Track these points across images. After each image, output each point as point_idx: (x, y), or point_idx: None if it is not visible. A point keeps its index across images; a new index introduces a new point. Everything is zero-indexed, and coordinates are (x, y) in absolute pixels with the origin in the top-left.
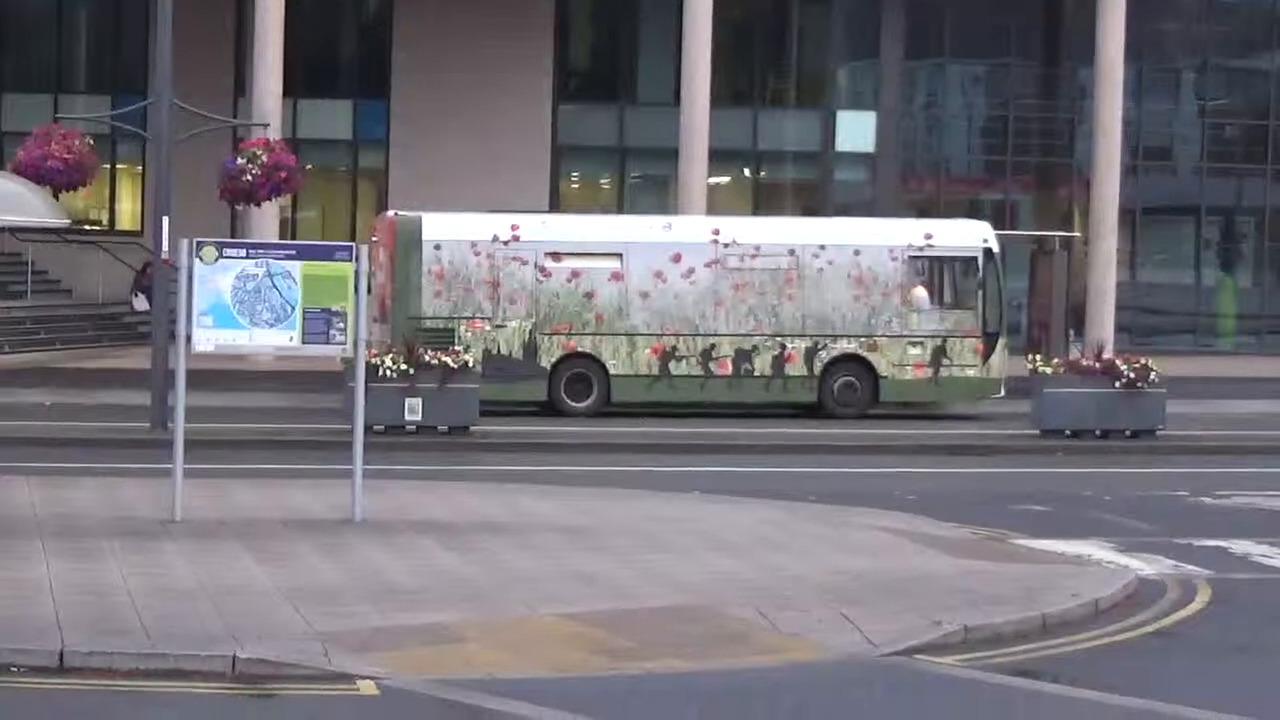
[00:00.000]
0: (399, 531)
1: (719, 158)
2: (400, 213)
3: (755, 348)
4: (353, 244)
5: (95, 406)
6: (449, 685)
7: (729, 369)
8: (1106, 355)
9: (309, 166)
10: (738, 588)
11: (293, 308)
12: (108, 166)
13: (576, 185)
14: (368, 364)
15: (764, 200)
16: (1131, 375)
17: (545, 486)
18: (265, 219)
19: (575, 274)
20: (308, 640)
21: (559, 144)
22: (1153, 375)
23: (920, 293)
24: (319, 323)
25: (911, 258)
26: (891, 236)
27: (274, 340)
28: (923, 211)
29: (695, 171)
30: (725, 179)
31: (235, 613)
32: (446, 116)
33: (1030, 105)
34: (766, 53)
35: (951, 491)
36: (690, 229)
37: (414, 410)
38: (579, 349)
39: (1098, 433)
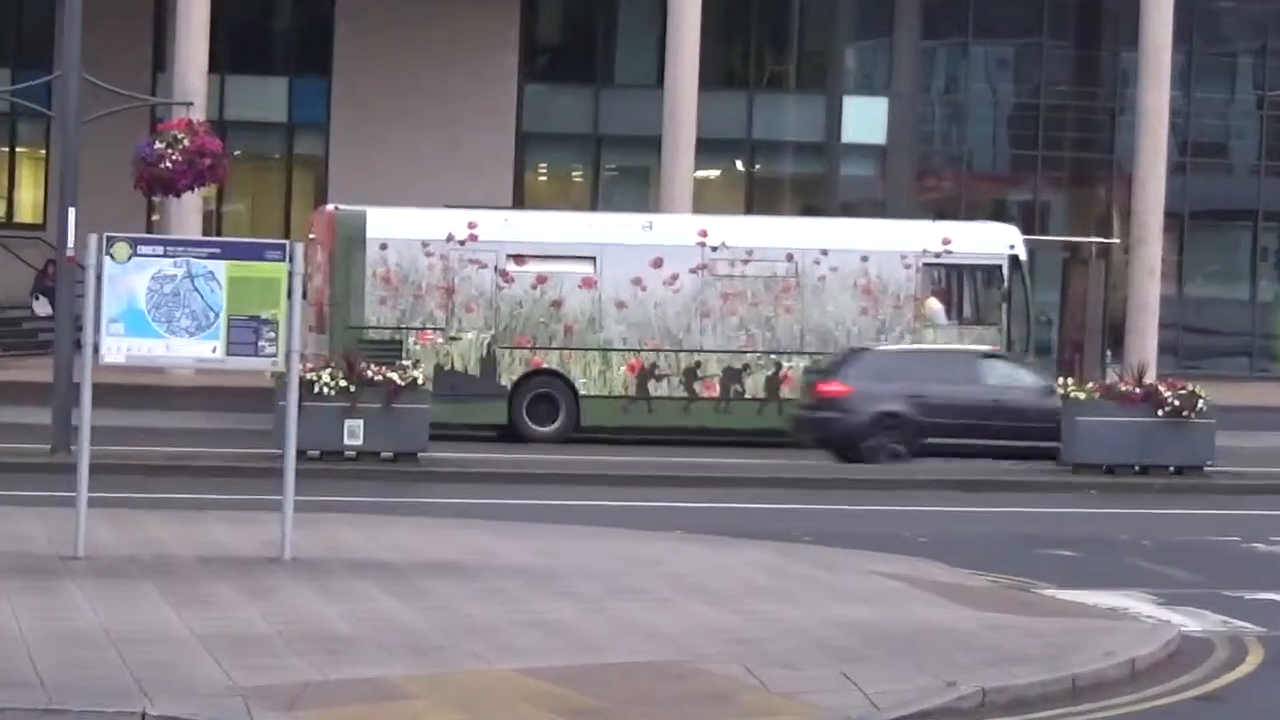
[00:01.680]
0: (335, 573)
1: (708, 148)
2: (341, 207)
3: (747, 366)
4: (286, 242)
5: None
6: None
7: (716, 391)
8: (1148, 380)
9: (237, 152)
10: (722, 640)
11: (216, 314)
12: (6, 150)
13: (544, 178)
14: (302, 380)
15: (759, 198)
16: (1176, 403)
17: (503, 523)
18: (186, 212)
19: (541, 279)
20: (228, 696)
21: (524, 130)
22: (1200, 403)
23: (936, 306)
24: (246, 332)
25: (927, 265)
26: (904, 241)
27: (194, 351)
28: (940, 213)
29: (680, 164)
30: (714, 173)
31: (146, 663)
32: (396, 97)
33: (1064, 93)
34: (763, 29)
35: (968, 534)
36: (674, 229)
37: (354, 434)
38: (545, 366)
39: (1137, 468)
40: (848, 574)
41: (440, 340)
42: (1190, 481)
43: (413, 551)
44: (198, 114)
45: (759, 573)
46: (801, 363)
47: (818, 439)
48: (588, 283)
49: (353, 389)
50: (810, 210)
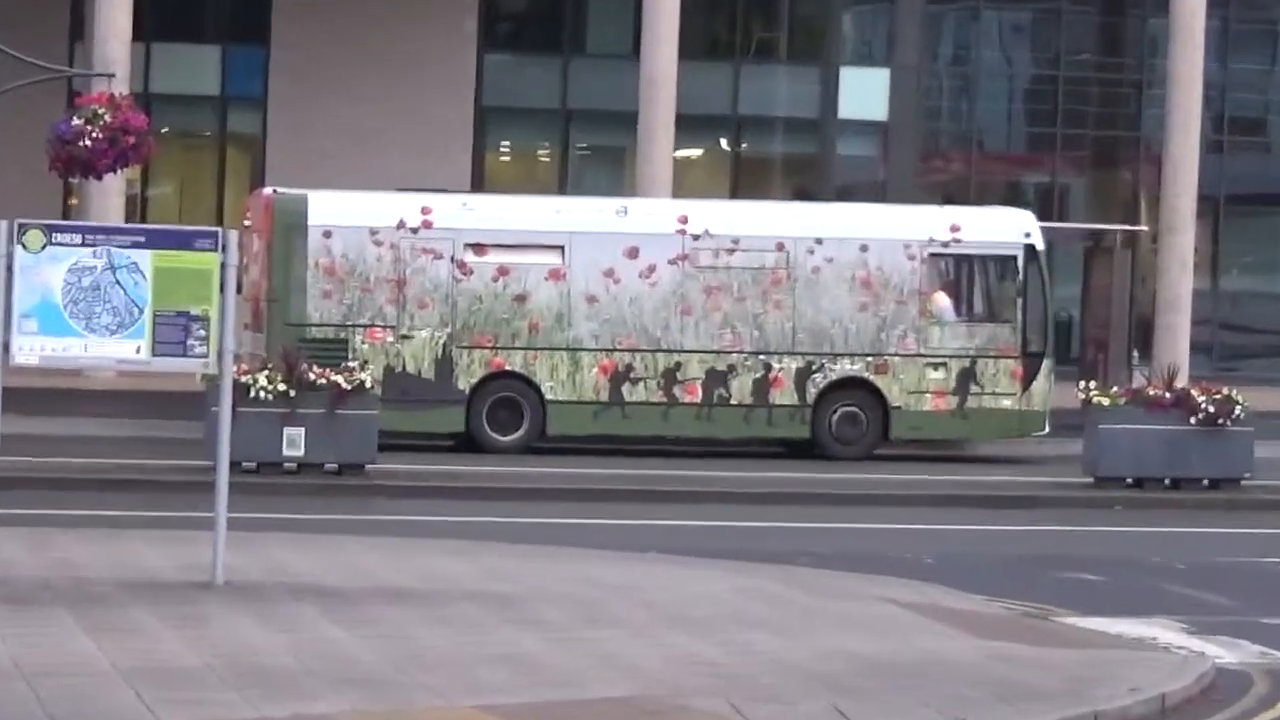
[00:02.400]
0: (273, 598)
1: (689, 125)
2: (280, 190)
3: (732, 368)
4: (219, 229)
5: None
6: None
7: (698, 395)
8: (1180, 383)
9: (164, 130)
10: (704, 674)
11: (141, 310)
12: None
13: (507, 158)
14: (236, 383)
15: (745, 181)
16: (1211, 409)
17: (461, 542)
18: (108, 196)
19: (503, 271)
20: None
21: (485, 105)
22: (1237, 410)
23: (943, 300)
24: (174, 330)
25: (933, 256)
26: (908, 228)
27: (116, 352)
28: (948, 197)
29: (658, 143)
30: (696, 152)
31: (60, 699)
32: (340, 68)
33: (1086, 63)
34: None
35: (980, 555)
36: (651, 216)
37: (295, 443)
38: (507, 367)
39: (1167, 481)
40: (846, 599)
41: (390, 339)
42: (1226, 496)
43: (360, 574)
44: (120, 87)
45: (747, 598)
46: (793, 364)
47: None
48: (555, 275)
49: (293, 393)
50: (803, 194)
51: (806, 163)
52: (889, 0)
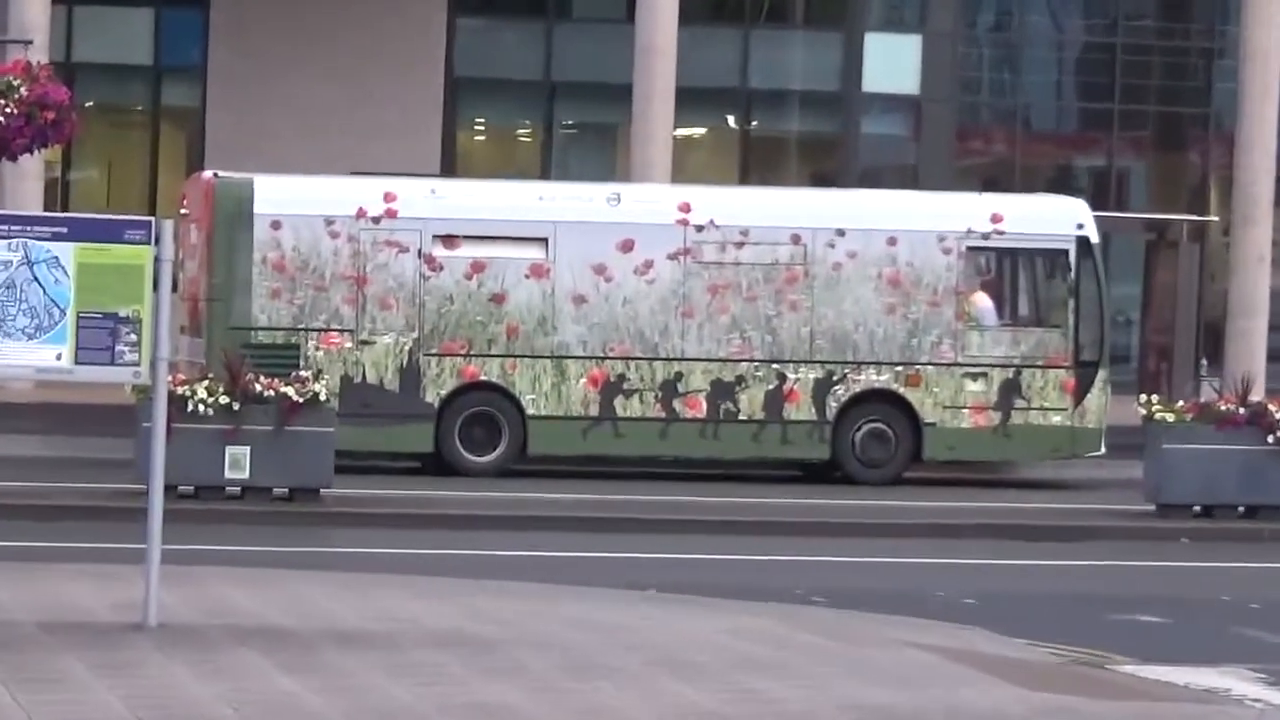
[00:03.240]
0: (214, 642)
1: (692, 99)
2: (222, 174)
3: (741, 379)
4: (152, 219)
5: None
6: None
7: (702, 409)
8: (1255, 397)
9: (89, 104)
10: None
11: (62, 312)
12: None
13: (482, 137)
14: (172, 395)
15: (756, 163)
16: None
17: (430, 579)
18: (24, 179)
19: (478, 267)
20: None
21: (456, 76)
22: None
23: (984, 301)
24: (100, 334)
25: (972, 250)
26: (943, 218)
27: (34, 358)
28: (989, 182)
29: (656, 119)
30: (700, 131)
31: None
32: (291, 35)
33: (1148, 29)
34: None
35: (1025, 593)
36: (648, 204)
37: (239, 464)
38: (482, 377)
39: (1241, 509)
40: (868, 645)
41: (348, 345)
42: None
43: (314, 615)
44: (39, 55)
45: (754, 643)
46: (811, 374)
47: None
48: (537, 271)
49: (236, 407)
50: (822, 180)
51: (826, 143)
52: None
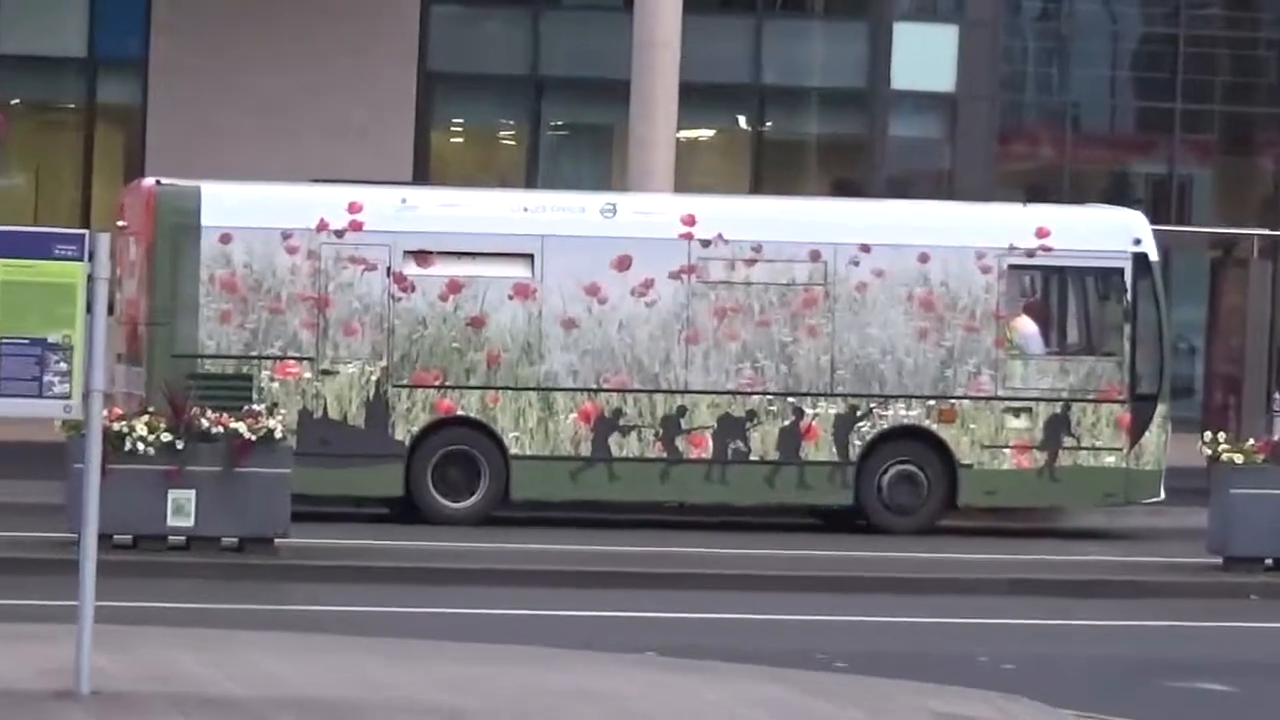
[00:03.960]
0: (153, 712)
1: (698, 97)
2: (165, 181)
3: (752, 414)
4: (85, 232)
5: None
6: None
7: (708, 448)
8: None
9: (15, 102)
10: None
11: None
12: None
13: (459, 140)
14: (108, 432)
15: (770, 170)
16: None
17: (399, 641)
18: None
19: (455, 287)
20: None
21: (431, 70)
22: None
23: (1028, 326)
24: (26, 363)
25: (1014, 268)
26: (981, 232)
27: None
28: (1034, 191)
29: (658, 120)
30: (707, 133)
31: None
32: (244, 23)
33: (1212, 19)
34: None
35: (1073, 657)
36: (647, 216)
37: (183, 510)
38: (459, 412)
39: None
40: (895, 714)
41: (308, 375)
42: None
43: (266, 682)
44: None
45: (769, 714)
46: (832, 409)
47: None
48: (522, 292)
49: (181, 445)
50: (845, 188)
51: (850, 147)
52: None
